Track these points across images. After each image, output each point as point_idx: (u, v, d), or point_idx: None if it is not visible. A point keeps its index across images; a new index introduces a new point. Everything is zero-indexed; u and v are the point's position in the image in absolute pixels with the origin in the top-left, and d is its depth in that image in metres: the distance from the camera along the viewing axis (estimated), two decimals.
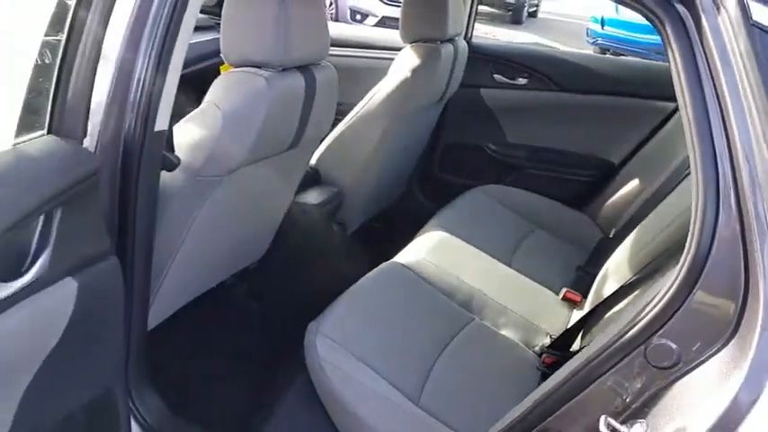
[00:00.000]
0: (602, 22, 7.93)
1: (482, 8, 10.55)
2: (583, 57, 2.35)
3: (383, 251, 1.60)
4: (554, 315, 1.51)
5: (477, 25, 2.31)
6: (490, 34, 7.70)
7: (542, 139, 2.21)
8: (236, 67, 1.21)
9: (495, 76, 2.23)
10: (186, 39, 1.01)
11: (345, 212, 1.96)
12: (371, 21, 7.03)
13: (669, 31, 0.74)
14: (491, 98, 2.24)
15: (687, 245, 0.70)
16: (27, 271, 0.77)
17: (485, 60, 2.22)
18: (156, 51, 0.94)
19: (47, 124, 0.88)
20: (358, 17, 7.14)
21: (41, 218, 0.78)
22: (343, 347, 1.19)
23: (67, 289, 0.84)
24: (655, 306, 0.72)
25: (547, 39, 7.94)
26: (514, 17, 10.83)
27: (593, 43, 8.19)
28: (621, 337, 0.75)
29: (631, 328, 0.75)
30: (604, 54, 7.21)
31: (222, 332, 1.58)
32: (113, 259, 0.94)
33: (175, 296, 1.38)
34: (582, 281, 1.66)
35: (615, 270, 1.39)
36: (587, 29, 8.38)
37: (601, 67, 2.22)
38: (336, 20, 7.05)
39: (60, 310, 0.84)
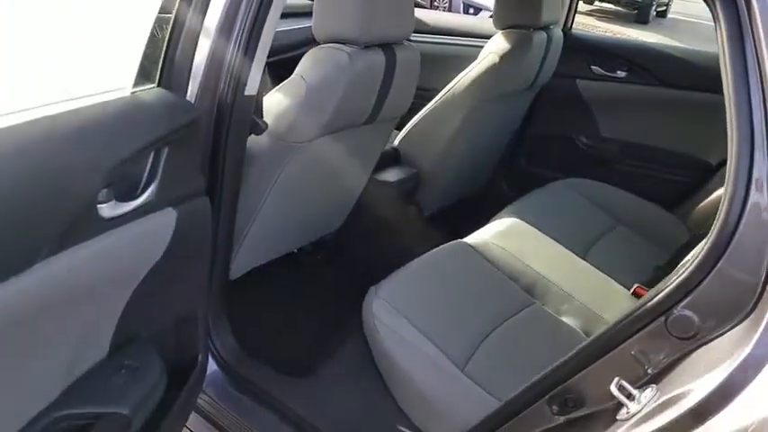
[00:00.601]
0: None
1: (606, 6, 10.07)
2: (686, 51, 2.22)
3: (457, 235, 1.61)
4: (620, 308, 1.47)
5: (597, 23, 2.27)
6: (608, 33, 7.34)
7: (637, 135, 2.13)
8: (323, 43, 1.32)
9: (593, 67, 2.17)
10: (276, 16, 1.12)
11: (423, 195, 2.00)
12: (485, 14, 6.96)
13: (719, 8, 0.73)
14: (587, 90, 2.18)
15: (716, 220, 0.70)
16: (139, 196, 0.92)
17: (583, 51, 2.17)
18: (248, 26, 1.07)
19: (157, 79, 1.06)
20: (471, 11, 7.11)
21: (152, 154, 0.93)
22: (397, 310, 1.26)
23: (169, 217, 0.98)
24: (679, 277, 0.73)
25: (669, 40, 7.41)
26: (640, 16, 10.21)
27: None
28: (644, 305, 0.76)
29: (655, 296, 0.75)
30: None
31: (295, 290, 1.72)
32: (206, 199, 1.08)
33: (256, 253, 1.51)
34: (658, 279, 1.59)
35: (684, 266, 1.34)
36: None
37: (704, 62, 2.08)
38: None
39: (162, 234, 0.98)
